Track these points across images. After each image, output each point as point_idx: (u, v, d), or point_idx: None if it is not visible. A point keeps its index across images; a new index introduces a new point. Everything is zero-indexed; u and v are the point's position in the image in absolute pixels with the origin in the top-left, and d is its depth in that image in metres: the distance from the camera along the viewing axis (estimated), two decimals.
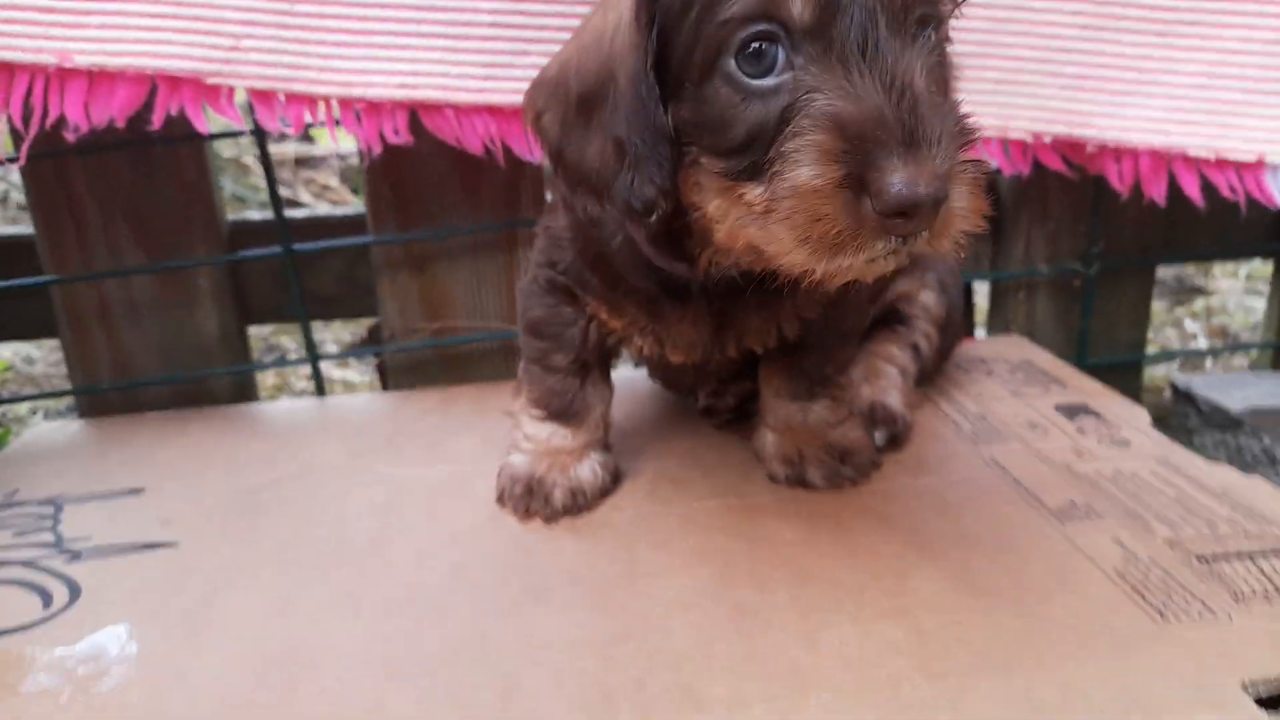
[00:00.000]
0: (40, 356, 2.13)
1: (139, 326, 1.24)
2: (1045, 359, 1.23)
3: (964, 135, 0.57)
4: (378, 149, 1.04)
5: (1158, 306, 1.97)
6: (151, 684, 0.67)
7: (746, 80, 0.61)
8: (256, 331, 1.97)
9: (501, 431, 1.04)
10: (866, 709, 0.60)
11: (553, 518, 0.87)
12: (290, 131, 1.02)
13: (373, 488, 0.96)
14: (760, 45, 0.60)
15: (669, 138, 0.66)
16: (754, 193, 0.61)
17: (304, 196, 2.70)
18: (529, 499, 0.88)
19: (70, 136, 0.99)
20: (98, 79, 0.99)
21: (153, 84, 0.99)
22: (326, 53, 1.00)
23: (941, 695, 0.60)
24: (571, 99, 0.70)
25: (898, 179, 0.54)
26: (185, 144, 1.17)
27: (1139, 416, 1.03)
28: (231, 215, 1.28)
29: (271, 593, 0.78)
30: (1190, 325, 1.85)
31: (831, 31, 0.58)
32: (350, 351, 1.68)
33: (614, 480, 0.92)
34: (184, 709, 0.64)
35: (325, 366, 1.84)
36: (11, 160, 1.05)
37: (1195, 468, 0.90)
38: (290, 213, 1.23)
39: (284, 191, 2.78)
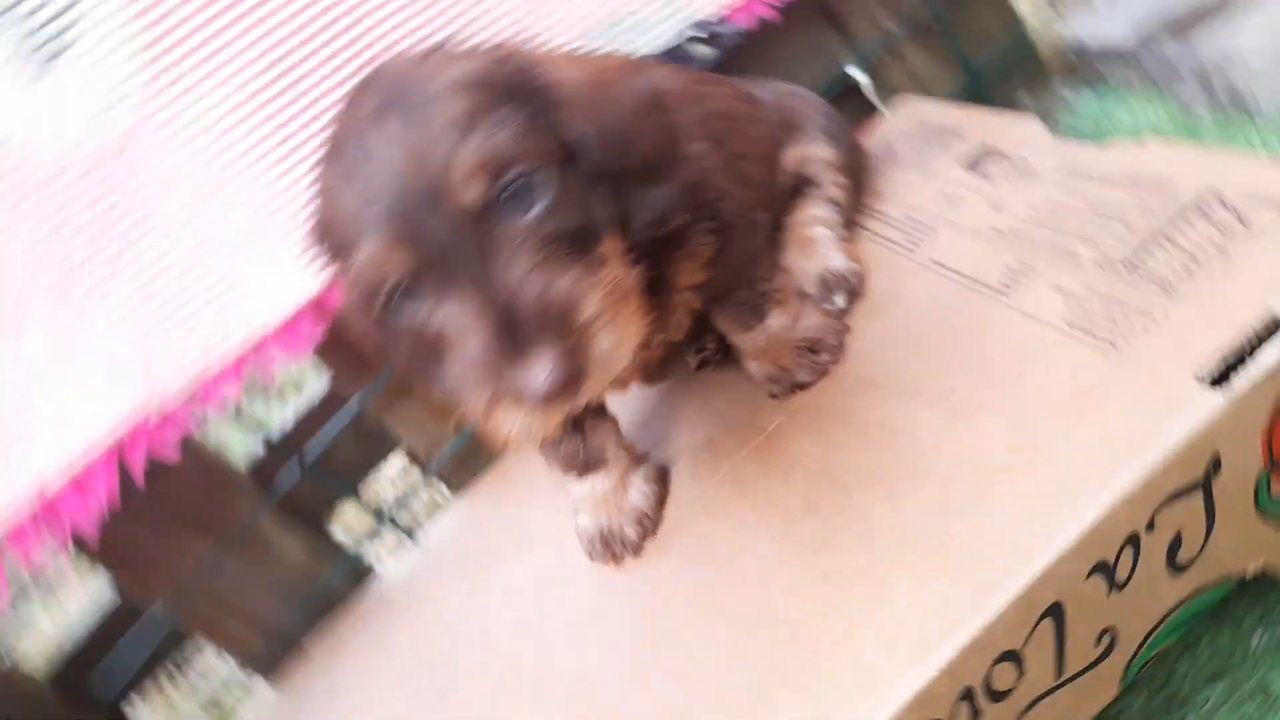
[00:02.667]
0: None
1: (250, 592, 1.39)
2: (933, 110, 1.27)
3: (578, 313, 0.65)
4: (308, 351, 1.14)
5: None
6: None
7: (399, 321, 0.70)
8: None
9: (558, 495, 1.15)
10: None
11: (637, 550, 0.99)
12: None
13: (500, 579, 1.11)
14: (393, 301, 0.69)
15: None
16: None
17: None
18: (609, 548, 1.00)
19: None
20: None
21: None
22: (214, 321, 1.09)
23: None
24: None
25: (523, 390, 0.64)
26: None
27: (1033, 131, 1.08)
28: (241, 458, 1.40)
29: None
30: None
31: (431, 268, 0.66)
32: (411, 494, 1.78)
33: (662, 482, 1.03)
34: None
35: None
36: None
37: (1097, 161, 0.96)
38: (283, 427, 1.35)
39: None
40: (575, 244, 0.69)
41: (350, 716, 1.13)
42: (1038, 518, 0.69)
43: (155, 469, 1.17)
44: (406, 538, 1.43)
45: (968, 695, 0.68)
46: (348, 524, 2.01)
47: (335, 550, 1.45)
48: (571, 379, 0.64)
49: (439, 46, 0.75)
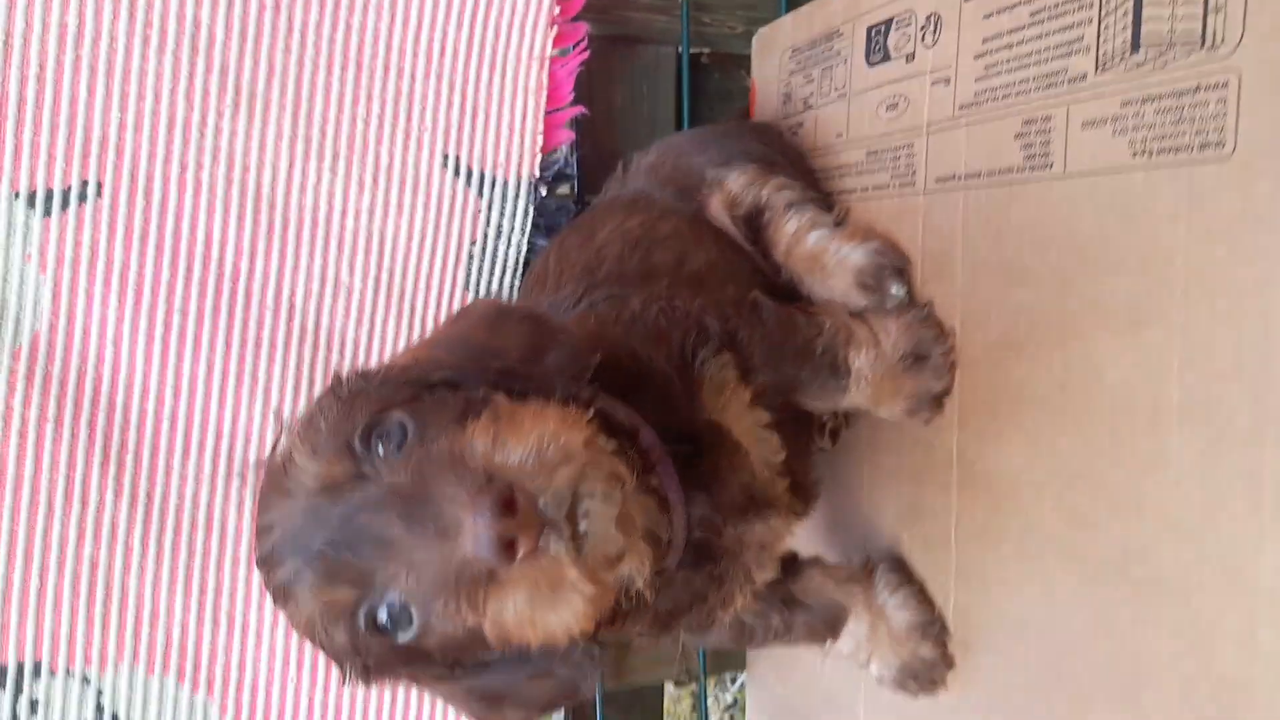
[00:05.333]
0: None
1: None
2: (791, 30, 1.11)
3: (469, 456, 0.54)
4: None
5: None
6: None
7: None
8: None
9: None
10: None
11: (948, 661, 0.86)
12: None
13: None
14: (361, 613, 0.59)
15: None
16: None
17: None
18: (921, 681, 0.87)
19: None
20: None
21: None
22: None
23: None
24: None
25: (475, 558, 0.52)
26: None
27: None
28: None
29: None
30: None
31: (364, 563, 0.56)
32: None
33: (909, 578, 0.90)
34: None
35: None
36: None
37: None
38: None
39: None
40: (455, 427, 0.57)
41: None
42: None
43: None
44: None
45: None
46: None
47: None
48: (506, 504, 0.51)
49: None
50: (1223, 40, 0.60)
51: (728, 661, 1.41)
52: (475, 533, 0.51)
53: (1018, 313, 0.77)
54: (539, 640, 0.56)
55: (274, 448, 0.66)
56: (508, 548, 0.51)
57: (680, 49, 1.27)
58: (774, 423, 0.81)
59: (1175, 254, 0.63)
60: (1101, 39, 0.69)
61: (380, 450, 0.59)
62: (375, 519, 0.55)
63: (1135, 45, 0.66)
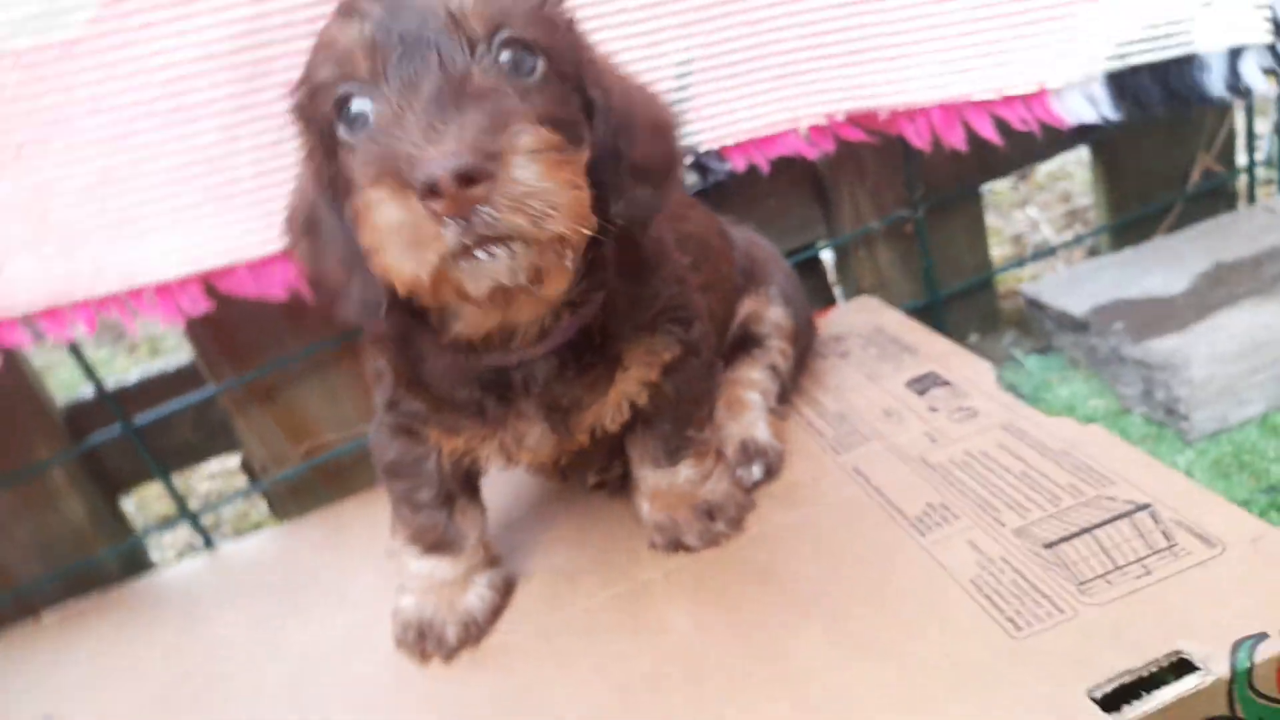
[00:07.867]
0: None
1: (7, 536, 1.21)
2: (895, 321, 1.26)
3: (505, 117, 0.60)
4: (181, 320, 1.02)
5: (1010, 200, 2.02)
6: None
7: (349, 139, 0.66)
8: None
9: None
10: None
11: (450, 655, 0.89)
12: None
13: (280, 663, 0.96)
14: (350, 105, 0.66)
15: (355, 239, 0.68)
16: None
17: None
18: (423, 642, 0.89)
19: None
20: None
21: None
22: (95, 255, 0.96)
23: None
24: (301, 228, 0.76)
25: (418, 165, 0.58)
26: None
27: (984, 375, 1.07)
28: (66, 398, 1.25)
29: None
30: (1034, 214, 1.91)
31: (388, 77, 0.63)
32: (226, 500, 1.65)
33: (506, 593, 0.94)
34: None
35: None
36: None
37: (1039, 429, 0.95)
38: (123, 380, 1.22)
39: None
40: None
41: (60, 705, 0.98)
42: None
43: None
44: (203, 542, 1.28)
45: None
46: (146, 504, 1.82)
47: (119, 527, 1.29)
48: (473, 174, 0.56)
49: None
50: (1086, 583, 0.73)
51: None
52: (438, 155, 0.57)
53: (791, 561, 0.86)
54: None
55: None
56: (437, 187, 0.57)
57: None
58: (649, 384, 0.87)
59: (923, 663, 0.73)
60: None
61: (506, 59, 0.65)
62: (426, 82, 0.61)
63: (1051, 548, 0.79)
